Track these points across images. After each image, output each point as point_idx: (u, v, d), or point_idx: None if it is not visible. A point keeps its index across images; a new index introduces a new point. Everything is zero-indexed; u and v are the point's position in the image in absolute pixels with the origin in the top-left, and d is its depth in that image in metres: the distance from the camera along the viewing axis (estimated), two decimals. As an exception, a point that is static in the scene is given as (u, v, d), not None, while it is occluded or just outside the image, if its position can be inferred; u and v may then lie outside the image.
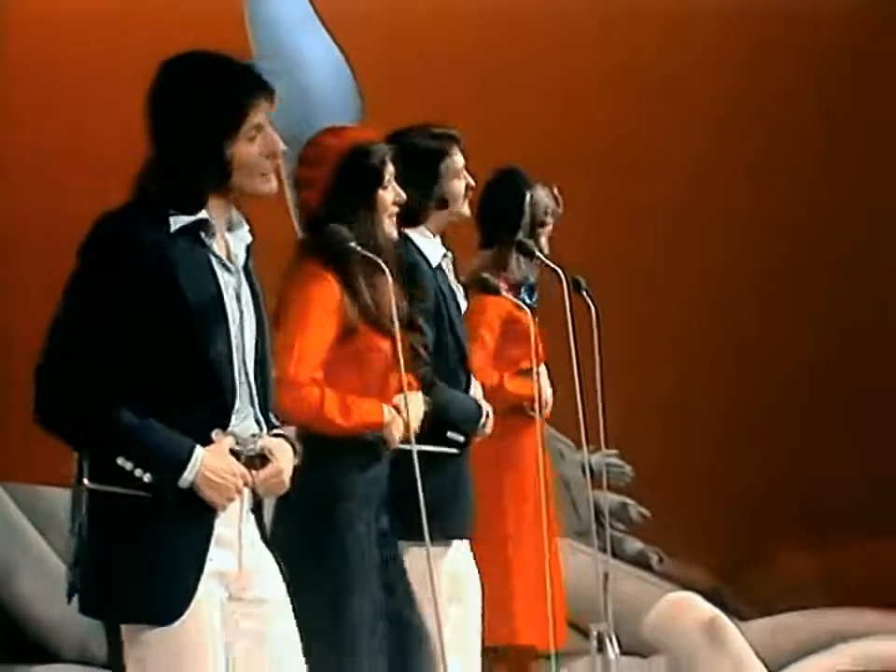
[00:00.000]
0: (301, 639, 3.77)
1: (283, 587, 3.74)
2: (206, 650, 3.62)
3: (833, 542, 8.31)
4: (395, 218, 4.69)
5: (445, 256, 5.17)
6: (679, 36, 8.41)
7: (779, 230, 8.69)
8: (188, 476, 3.53)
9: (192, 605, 3.59)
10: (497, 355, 5.80)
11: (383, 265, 4.43)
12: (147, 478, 3.52)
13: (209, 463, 3.55)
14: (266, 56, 6.38)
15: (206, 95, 3.64)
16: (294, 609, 3.78)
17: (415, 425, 4.66)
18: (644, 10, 8.33)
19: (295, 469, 3.73)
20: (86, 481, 3.60)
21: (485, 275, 5.90)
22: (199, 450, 3.54)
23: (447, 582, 4.95)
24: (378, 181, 4.64)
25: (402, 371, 4.44)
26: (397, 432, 4.58)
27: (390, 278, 4.42)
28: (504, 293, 5.86)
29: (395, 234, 4.69)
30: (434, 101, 6.49)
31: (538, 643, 5.75)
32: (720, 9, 8.47)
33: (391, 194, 4.65)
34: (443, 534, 4.73)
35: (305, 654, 3.80)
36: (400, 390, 4.55)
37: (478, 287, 5.80)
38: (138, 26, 7.73)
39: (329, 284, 4.52)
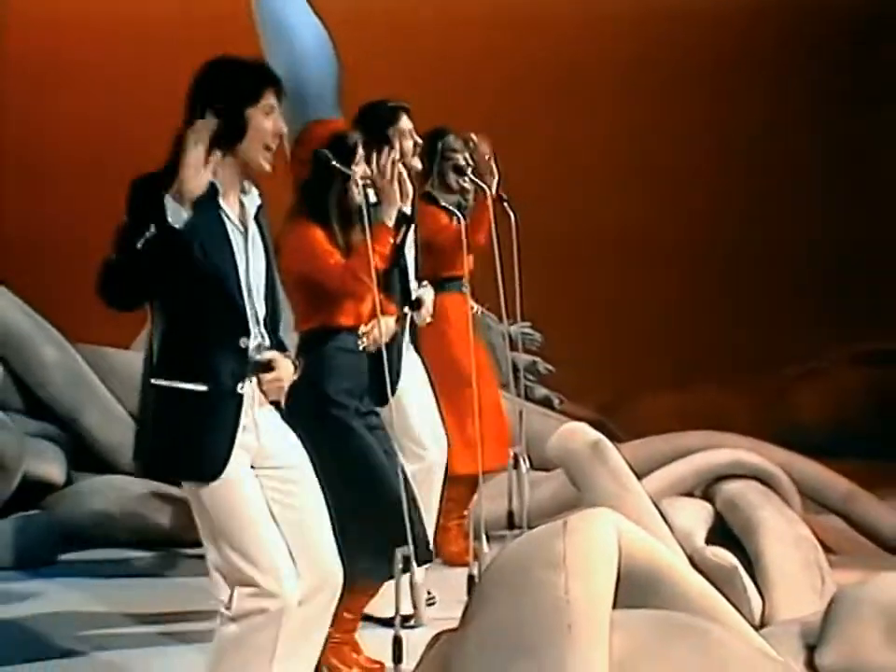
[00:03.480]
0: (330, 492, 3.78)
1: (301, 457, 3.74)
2: (250, 495, 3.63)
3: (686, 386, 8.61)
4: (361, 188, 4.55)
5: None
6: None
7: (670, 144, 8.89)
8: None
9: (229, 467, 3.58)
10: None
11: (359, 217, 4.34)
12: None
13: None
14: (266, 31, 6.32)
15: (234, 73, 3.64)
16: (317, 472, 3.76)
17: (383, 338, 4.61)
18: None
19: (294, 382, 3.72)
20: (153, 380, 3.63)
21: (428, 189, 5.96)
22: None
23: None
24: (349, 160, 4.57)
25: (376, 290, 4.24)
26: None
27: (368, 230, 4.28)
28: (442, 203, 5.93)
29: (359, 200, 4.55)
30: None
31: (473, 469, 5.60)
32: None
33: (360, 170, 4.58)
34: None
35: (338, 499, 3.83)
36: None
37: (424, 199, 5.84)
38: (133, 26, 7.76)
39: (316, 232, 4.56)
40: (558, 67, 8.81)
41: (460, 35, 8.58)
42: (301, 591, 3.67)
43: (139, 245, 3.45)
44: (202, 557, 3.77)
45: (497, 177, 5.73)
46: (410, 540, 4.04)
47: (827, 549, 5.11)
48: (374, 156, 4.58)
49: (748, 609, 4.51)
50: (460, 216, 5.72)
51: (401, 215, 4.72)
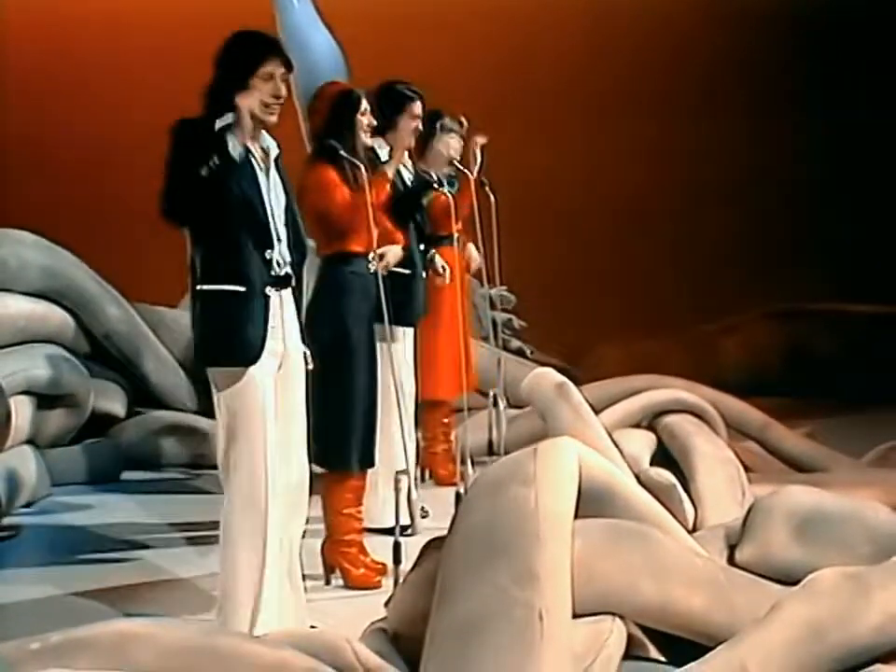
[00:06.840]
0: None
1: (302, 363, 3.81)
2: (263, 393, 3.69)
3: (634, 338, 8.63)
4: (368, 135, 4.70)
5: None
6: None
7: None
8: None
9: (256, 365, 3.65)
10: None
11: (359, 164, 4.53)
12: None
13: None
14: (288, 45, 6.27)
15: (241, 47, 3.75)
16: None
17: (392, 263, 4.81)
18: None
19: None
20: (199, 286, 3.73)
21: (422, 166, 5.84)
22: None
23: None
24: (355, 109, 4.65)
25: (373, 227, 4.43)
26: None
27: (364, 171, 4.47)
28: (434, 185, 5.81)
29: (369, 143, 4.74)
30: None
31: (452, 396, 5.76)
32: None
33: (366, 119, 4.67)
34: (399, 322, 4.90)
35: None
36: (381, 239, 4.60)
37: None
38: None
39: (329, 172, 4.61)
40: (532, 61, 8.72)
41: (461, 33, 8.50)
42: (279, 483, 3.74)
43: (204, 173, 3.57)
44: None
45: (479, 163, 5.70)
46: (405, 452, 4.23)
47: (746, 468, 5.13)
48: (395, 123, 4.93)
49: (683, 517, 4.51)
50: (448, 194, 5.72)
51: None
